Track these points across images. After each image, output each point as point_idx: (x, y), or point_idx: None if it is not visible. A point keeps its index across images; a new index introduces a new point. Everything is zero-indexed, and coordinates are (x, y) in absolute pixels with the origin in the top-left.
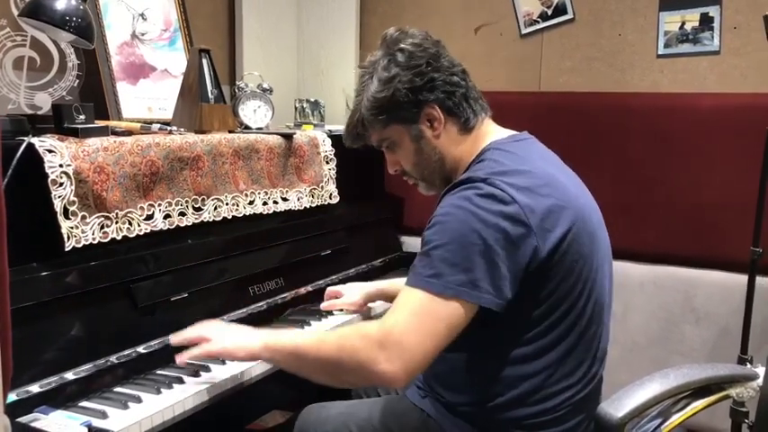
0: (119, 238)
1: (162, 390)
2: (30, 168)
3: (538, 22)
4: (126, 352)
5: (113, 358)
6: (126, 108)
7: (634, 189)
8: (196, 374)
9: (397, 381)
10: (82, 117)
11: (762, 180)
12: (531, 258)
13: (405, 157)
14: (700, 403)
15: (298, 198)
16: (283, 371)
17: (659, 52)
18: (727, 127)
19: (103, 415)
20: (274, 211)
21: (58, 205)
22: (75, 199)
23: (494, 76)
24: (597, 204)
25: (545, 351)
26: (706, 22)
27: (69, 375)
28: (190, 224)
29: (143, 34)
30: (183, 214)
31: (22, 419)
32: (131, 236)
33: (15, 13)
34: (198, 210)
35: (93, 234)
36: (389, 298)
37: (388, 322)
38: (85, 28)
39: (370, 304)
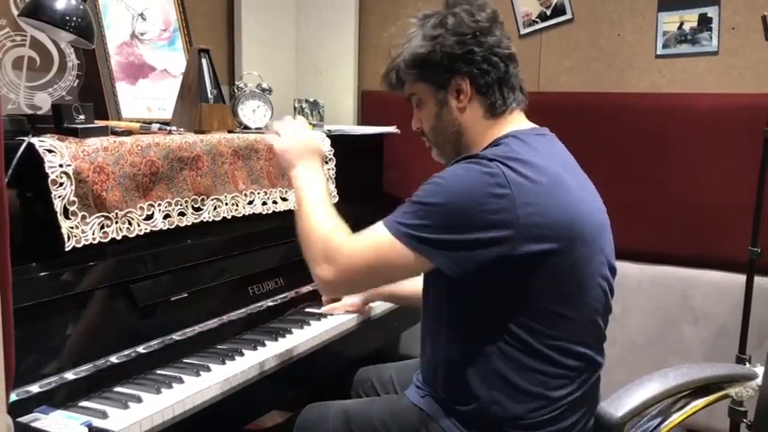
0: (119, 238)
1: (162, 389)
2: (30, 168)
3: (537, 22)
4: (126, 352)
5: (113, 358)
6: (125, 108)
7: (632, 189)
8: (196, 374)
9: (326, 285)
10: (82, 117)
11: (760, 180)
12: (501, 244)
13: (426, 117)
14: (699, 403)
15: None
16: (282, 373)
17: (658, 52)
18: (726, 127)
19: (104, 415)
20: (274, 211)
21: (58, 205)
22: (75, 199)
23: None
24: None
25: (542, 350)
26: (704, 22)
27: (69, 375)
28: (189, 224)
29: (142, 34)
30: (182, 214)
31: (23, 419)
32: (131, 236)
33: (15, 12)
34: (197, 210)
35: (93, 234)
36: (388, 298)
37: (348, 239)
38: (85, 28)
39: (369, 305)
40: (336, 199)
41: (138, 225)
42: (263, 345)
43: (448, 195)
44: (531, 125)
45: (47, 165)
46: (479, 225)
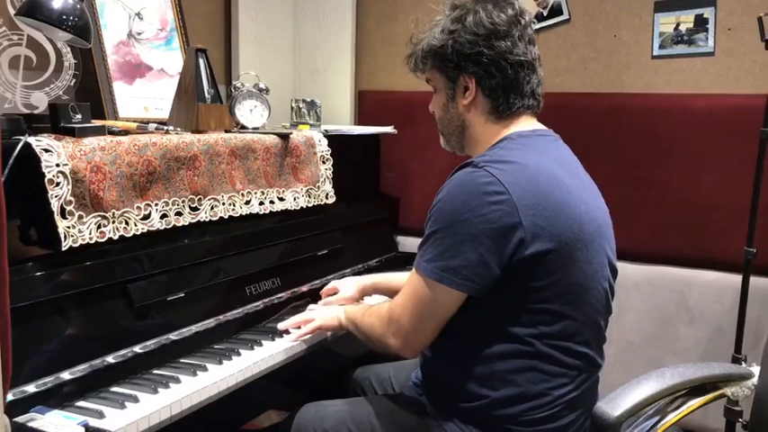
0: (115, 237)
1: (159, 389)
2: (26, 168)
3: (533, 22)
4: (122, 352)
5: (110, 358)
6: (122, 107)
7: (629, 189)
8: (193, 374)
9: (404, 352)
10: (78, 116)
11: (756, 180)
12: (516, 249)
13: (437, 105)
14: (695, 402)
15: (294, 198)
16: (279, 372)
17: (654, 53)
18: (722, 128)
19: (100, 415)
20: (271, 211)
21: (54, 205)
22: (72, 198)
23: None
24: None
25: (542, 349)
26: (701, 23)
27: (66, 375)
28: (186, 224)
29: (139, 34)
30: (179, 214)
31: (19, 419)
32: (128, 235)
33: (12, 12)
34: (194, 209)
35: (89, 234)
36: (384, 291)
37: (393, 303)
38: (82, 27)
39: (366, 298)
40: (334, 199)
41: (135, 225)
42: (260, 344)
43: (448, 218)
44: (534, 126)
45: (43, 164)
46: (487, 235)
